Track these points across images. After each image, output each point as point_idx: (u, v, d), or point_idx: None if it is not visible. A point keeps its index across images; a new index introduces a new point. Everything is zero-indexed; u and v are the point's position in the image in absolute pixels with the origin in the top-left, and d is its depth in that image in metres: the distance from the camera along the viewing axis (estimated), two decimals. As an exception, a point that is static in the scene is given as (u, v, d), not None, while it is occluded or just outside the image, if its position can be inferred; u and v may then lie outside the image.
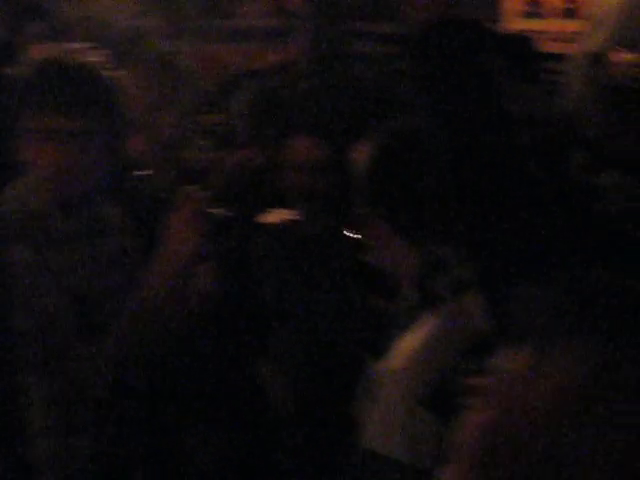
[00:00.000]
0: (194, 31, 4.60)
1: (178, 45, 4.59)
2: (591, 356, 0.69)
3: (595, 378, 0.68)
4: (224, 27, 4.54)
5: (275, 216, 3.40)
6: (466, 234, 1.12)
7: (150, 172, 1.96)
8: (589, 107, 3.14)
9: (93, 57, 1.79)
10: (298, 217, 3.54)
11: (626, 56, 3.77)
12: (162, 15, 4.64)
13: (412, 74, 1.06)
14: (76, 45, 1.80)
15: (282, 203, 3.17)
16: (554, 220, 1.22)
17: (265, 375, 2.50)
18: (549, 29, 4.61)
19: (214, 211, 1.76)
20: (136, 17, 4.64)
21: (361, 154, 1.45)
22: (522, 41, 4.07)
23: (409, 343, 1.33)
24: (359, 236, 1.77)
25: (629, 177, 2.12)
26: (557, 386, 0.69)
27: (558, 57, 4.27)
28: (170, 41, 4.61)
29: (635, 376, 0.68)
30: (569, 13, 4.61)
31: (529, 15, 4.65)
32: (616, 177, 2.28)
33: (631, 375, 0.68)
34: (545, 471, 0.67)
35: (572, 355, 0.69)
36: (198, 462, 2.61)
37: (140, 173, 1.90)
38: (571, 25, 4.43)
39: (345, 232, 1.80)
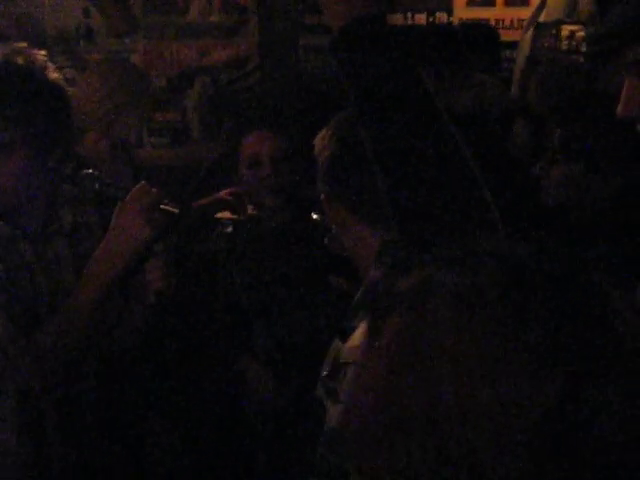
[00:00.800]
0: (146, 28, 4.59)
1: (130, 42, 4.59)
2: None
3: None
4: (176, 24, 4.53)
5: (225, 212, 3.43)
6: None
7: (100, 170, 1.95)
8: (531, 79, 3.22)
9: (34, 57, 1.77)
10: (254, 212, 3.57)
11: (572, 28, 3.87)
12: (113, 13, 4.62)
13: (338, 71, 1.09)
14: (16, 45, 1.77)
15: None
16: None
17: (249, 371, 2.48)
18: (502, 17, 4.67)
19: (166, 207, 1.78)
20: (86, 15, 4.62)
21: (321, 141, 1.47)
22: (482, 30, 4.14)
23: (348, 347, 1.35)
24: (175, 210, 1.81)
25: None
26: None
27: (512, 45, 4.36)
28: (122, 39, 4.60)
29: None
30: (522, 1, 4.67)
31: (482, 3, 4.70)
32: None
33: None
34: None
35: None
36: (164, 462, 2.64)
37: (90, 172, 1.90)
38: (524, 12, 4.49)
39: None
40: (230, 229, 3.34)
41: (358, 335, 1.30)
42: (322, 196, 1.48)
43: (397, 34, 1.07)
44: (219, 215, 2.95)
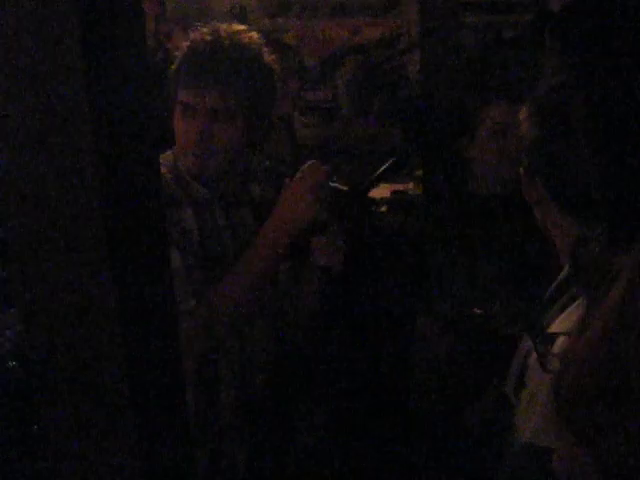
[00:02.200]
0: (299, 7, 4.63)
1: (283, 22, 4.65)
2: None
3: None
4: (328, 3, 4.55)
5: (385, 190, 3.43)
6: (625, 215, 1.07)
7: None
8: None
9: (243, 38, 1.82)
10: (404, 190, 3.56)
11: None
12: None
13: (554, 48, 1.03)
14: (224, 26, 1.83)
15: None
16: None
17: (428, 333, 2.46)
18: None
19: (336, 184, 1.79)
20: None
21: (526, 117, 1.41)
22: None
23: (564, 325, 1.30)
24: (344, 188, 1.80)
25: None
26: None
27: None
28: (275, 18, 4.67)
29: None
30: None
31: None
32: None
33: None
34: None
35: None
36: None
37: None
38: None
39: (332, 184, 1.79)
40: (385, 208, 3.36)
41: (567, 314, 1.26)
42: (521, 169, 1.43)
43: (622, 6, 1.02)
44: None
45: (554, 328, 1.26)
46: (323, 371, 2.76)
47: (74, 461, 0.77)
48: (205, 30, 1.81)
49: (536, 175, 1.37)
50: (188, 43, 1.81)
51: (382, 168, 1.98)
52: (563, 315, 1.28)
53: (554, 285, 1.34)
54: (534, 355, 1.31)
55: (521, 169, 1.41)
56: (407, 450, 2.45)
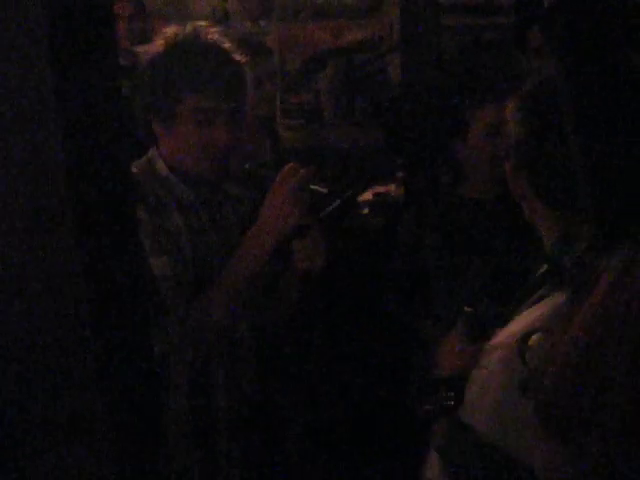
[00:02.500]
0: (281, 10, 4.63)
1: (265, 25, 4.65)
2: None
3: None
4: (310, 5, 4.56)
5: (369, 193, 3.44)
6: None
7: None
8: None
9: (215, 37, 1.82)
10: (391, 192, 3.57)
11: None
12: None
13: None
14: (199, 24, 1.83)
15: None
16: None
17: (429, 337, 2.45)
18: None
19: (315, 187, 1.79)
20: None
21: (512, 112, 1.42)
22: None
23: (527, 319, 1.32)
24: (324, 190, 1.80)
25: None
26: None
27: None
28: (257, 21, 4.67)
29: None
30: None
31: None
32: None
33: None
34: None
35: None
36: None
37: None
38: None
39: (312, 187, 1.80)
40: (366, 210, 3.36)
41: (542, 307, 1.27)
42: (507, 165, 1.44)
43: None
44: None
45: (519, 321, 1.27)
46: (310, 375, 2.76)
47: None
48: (182, 29, 1.81)
49: (521, 171, 1.38)
50: (162, 42, 1.81)
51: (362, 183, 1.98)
52: (529, 310, 1.29)
53: (530, 281, 1.35)
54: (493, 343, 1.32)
55: (507, 165, 1.42)
56: (407, 456, 2.46)
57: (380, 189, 3.54)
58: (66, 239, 0.67)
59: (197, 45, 1.81)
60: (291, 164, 1.80)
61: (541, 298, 1.31)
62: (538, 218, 1.41)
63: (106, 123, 0.71)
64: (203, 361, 1.85)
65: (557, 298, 1.25)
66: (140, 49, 1.87)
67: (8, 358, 0.73)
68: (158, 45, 1.81)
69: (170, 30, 1.82)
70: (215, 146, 1.80)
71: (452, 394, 1.41)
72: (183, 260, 1.79)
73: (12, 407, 0.73)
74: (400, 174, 3.40)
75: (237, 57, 1.84)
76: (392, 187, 3.59)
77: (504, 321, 1.34)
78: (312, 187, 1.80)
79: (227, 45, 1.84)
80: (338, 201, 1.88)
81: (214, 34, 1.83)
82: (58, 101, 0.65)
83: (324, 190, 1.82)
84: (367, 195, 3.40)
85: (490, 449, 1.31)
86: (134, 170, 1.81)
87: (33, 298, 0.71)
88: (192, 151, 1.81)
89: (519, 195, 1.43)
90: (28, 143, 0.67)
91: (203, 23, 1.85)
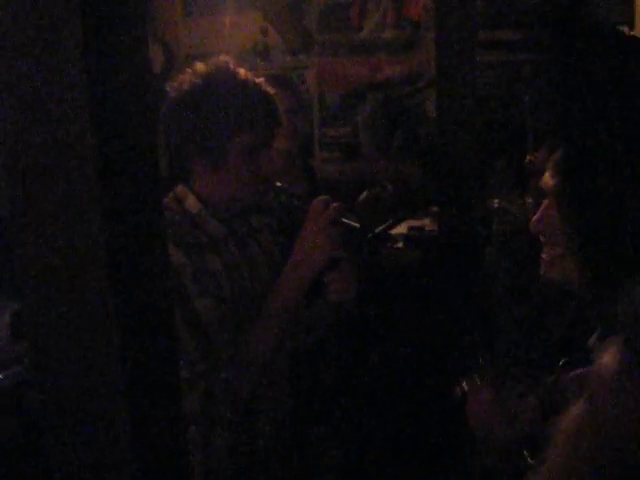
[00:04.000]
0: (321, 45, 4.69)
1: (305, 59, 4.71)
2: None
3: None
4: (349, 40, 4.61)
5: (402, 226, 3.45)
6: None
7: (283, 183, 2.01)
8: None
9: (243, 72, 1.85)
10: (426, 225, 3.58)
11: None
12: (289, 31, 4.75)
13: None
14: (225, 59, 1.86)
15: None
16: None
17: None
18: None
19: (347, 221, 1.81)
20: (264, 34, 4.77)
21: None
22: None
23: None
24: (356, 224, 1.82)
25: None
26: None
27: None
28: (297, 56, 4.73)
29: None
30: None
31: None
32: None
33: None
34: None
35: None
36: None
37: (278, 184, 1.97)
38: None
39: (344, 220, 1.80)
40: (401, 244, 3.37)
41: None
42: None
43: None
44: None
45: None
46: (345, 407, 2.77)
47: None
48: (211, 65, 1.84)
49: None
50: (190, 78, 1.83)
51: (394, 220, 1.98)
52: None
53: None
54: None
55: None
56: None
57: (415, 223, 3.55)
58: (94, 227, 0.70)
59: (236, 80, 1.83)
60: (322, 197, 1.82)
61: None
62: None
63: (137, 115, 0.73)
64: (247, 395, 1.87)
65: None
66: (168, 86, 1.88)
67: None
68: (188, 81, 1.83)
69: (200, 66, 1.85)
70: (259, 178, 1.84)
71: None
72: (224, 299, 1.82)
73: (44, 397, 0.76)
74: (435, 208, 3.41)
75: (270, 91, 1.88)
76: (427, 221, 3.60)
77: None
78: (344, 220, 1.82)
79: (259, 80, 1.87)
80: (390, 221, 1.90)
81: (242, 69, 1.86)
82: (89, 92, 0.67)
83: (356, 224, 1.84)
84: (402, 229, 3.41)
85: None
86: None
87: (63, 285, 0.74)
88: (239, 185, 1.84)
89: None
90: (59, 138, 0.69)
91: (228, 58, 1.88)
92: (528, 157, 2.53)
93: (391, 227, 2.10)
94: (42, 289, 0.74)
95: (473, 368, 1.95)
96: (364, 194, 3.24)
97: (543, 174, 2.31)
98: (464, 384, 1.80)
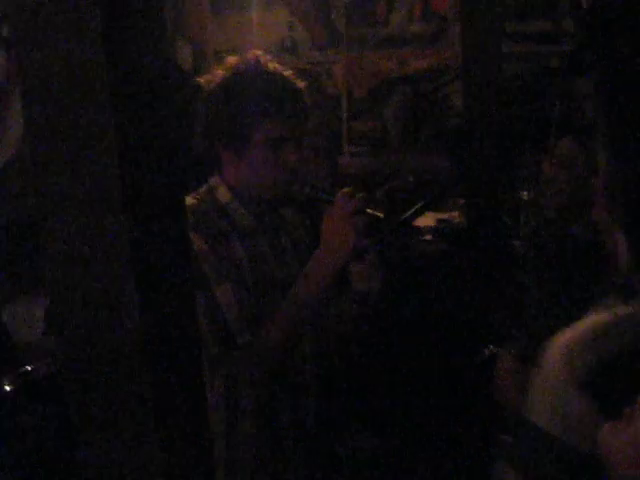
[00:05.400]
0: (348, 40, 4.70)
1: (332, 54, 4.73)
2: None
3: None
4: (376, 34, 4.62)
5: (430, 218, 3.46)
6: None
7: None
8: None
9: (274, 65, 1.89)
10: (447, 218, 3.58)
11: None
12: (317, 26, 4.77)
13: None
14: (258, 53, 1.90)
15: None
16: None
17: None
18: None
19: (371, 211, 1.83)
20: (291, 29, 4.79)
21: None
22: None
23: (587, 322, 1.33)
24: (380, 214, 1.83)
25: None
26: None
27: None
28: (324, 50, 4.75)
29: None
30: None
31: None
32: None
33: None
34: None
35: None
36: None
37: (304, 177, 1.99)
38: None
39: (368, 211, 1.80)
40: (429, 236, 3.38)
41: (604, 314, 1.28)
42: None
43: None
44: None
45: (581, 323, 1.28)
46: (368, 397, 2.78)
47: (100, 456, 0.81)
48: (243, 59, 1.88)
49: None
50: (223, 72, 1.87)
51: (418, 205, 2.00)
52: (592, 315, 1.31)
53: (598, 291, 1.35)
54: None
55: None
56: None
57: (443, 215, 3.56)
58: (116, 219, 0.72)
59: (264, 73, 1.87)
60: (345, 189, 1.84)
61: (606, 306, 1.32)
62: (613, 240, 1.41)
63: (158, 104, 0.75)
64: (268, 382, 1.90)
65: (620, 310, 1.27)
66: (201, 79, 1.93)
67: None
68: (220, 75, 1.88)
69: (231, 60, 1.89)
70: (284, 169, 1.86)
71: None
72: (246, 287, 1.84)
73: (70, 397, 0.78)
74: (463, 201, 3.42)
75: (299, 84, 1.90)
76: (455, 214, 3.60)
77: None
78: (368, 211, 1.83)
79: (287, 72, 1.90)
80: (419, 204, 1.89)
81: (273, 62, 1.90)
82: (110, 82, 0.69)
83: (380, 214, 1.86)
84: (430, 221, 3.42)
85: (553, 441, 1.32)
86: (193, 201, 1.88)
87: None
88: (262, 175, 1.87)
89: (599, 217, 1.43)
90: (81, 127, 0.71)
91: (260, 52, 1.91)
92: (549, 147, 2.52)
93: (418, 213, 2.10)
94: (67, 280, 0.77)
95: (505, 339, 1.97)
96: (384, 186, 3.25)
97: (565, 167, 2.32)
98: (492, 348, 1.82)
